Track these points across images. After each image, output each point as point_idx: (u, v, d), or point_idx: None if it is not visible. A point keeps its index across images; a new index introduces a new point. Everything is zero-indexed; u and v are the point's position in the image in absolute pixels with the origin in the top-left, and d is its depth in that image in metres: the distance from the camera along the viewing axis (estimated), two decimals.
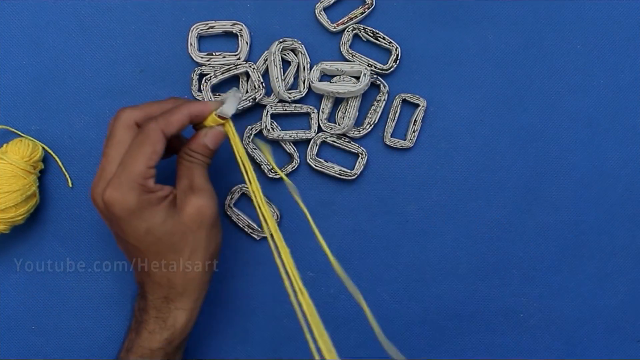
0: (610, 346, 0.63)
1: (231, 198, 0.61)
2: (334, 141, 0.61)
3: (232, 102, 0.52)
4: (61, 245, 0.62)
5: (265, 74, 0.61)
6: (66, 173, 0.62)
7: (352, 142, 0.61)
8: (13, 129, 0.61)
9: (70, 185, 0.62)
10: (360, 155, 0.61)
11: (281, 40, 0.60)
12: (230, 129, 0.53)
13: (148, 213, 0.49)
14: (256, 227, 0.62)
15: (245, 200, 0.63)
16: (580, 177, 0.63)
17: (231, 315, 0.63)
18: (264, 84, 0.60)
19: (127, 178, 0.48)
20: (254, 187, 0.53)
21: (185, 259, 0.51)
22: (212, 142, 0.52)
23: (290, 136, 0.61)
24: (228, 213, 0.62)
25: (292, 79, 0.61)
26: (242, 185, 0.62)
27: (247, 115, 0.62)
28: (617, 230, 0.63)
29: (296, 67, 0.61)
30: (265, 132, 0.61)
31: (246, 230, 0.62)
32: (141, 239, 0.50)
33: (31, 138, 0.61)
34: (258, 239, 0.62)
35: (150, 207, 0.49)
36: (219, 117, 0.52)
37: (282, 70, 0.60)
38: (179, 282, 0.51)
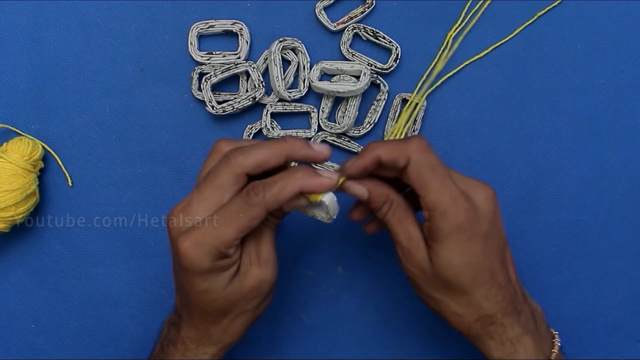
0: (610, 346, 0.63)
1: None
2: (333, 140, 0.61)
3: (333, 197, 0.49)
4: (61, 244, 0.62)
5: (265, 73, 0.61)
6: (66, 172, 0.62)
7: (352, 142, 0.61)
8: (13, 128, 0.61)
9: (70, 184, 0.62)
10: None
11: (281, 39, 0.60)
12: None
13: (214, 277, 0.47)
14: None
15: None
16: (580, 177, 0.63)
17: None
18: (263, 83, 0.60)
19: (212, 242, 0.45)
20: None
21: (230, 320, 0.49)
22: (291, 208, 0.49)
23: (290, 135, 0.61)
24: None
25: (292, 78, 0.61)
26: None
27: (247, 114, 0.62)
28: (617, 230, 0.63)
29: (296, 66, 0.61)
30: (265, 132, 0.61)
31: None
32: (197, 294, 0.48)
33: (31, 137, 0.61)
34: None
35: (218, 272, 0.47)
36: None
37: (282, 69, 0.60)
38: (216, 335, 0.50)
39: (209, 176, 0.47)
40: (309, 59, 0.61)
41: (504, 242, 0.51)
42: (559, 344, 0.51)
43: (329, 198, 0.48)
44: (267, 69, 0.61)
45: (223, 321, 0.49)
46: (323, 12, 0.61)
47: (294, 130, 0.61)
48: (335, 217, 0.50)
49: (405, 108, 0.60)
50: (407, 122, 0.61)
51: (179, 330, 0.51)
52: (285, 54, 0.61)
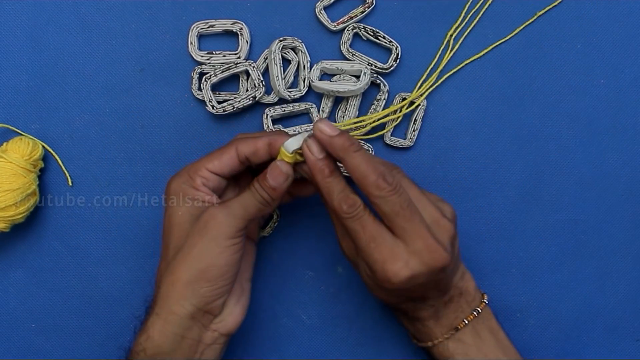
0: (609, 345, 0.63)
1: None
2: None
3: (297, 139, 0.51)
4: (61, 244, 0.62)
5: (265, 73, 0.61)
6: (66, 172, 0.62)
7: None
8: (13, 128, 0.61)
9: (70, 184, 0.62)
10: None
11: (281, 38, 0.60)
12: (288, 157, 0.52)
13: (178, 199, 0.52)
14: None
15: None
16: (580, 177, 0.63)
17: None
18: (263, 83, 0.60)
19: (185, 168, 0.53)
20: None
21: (177, 262, 0.51)
22: (274, 178, 0.51)
23: (295, 131, 0.61)
24: None
25: (292, 78, 0.61)
26: None
27: (247, 114, 0.62)
28: (617, 230, 0.63)
29: (296, 66, 0.61)
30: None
31: None
32: (164, 221, 0.53)
33: (31, 136, 0.61)
34: None
35: (182, 196, 0.52)
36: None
37: (282, 68, 0.60)
38: (164, 283, 0.51)
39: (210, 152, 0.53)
40: (309, 59, 0.61)
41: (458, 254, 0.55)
42: (465, 322, 0.54)
43: (292, 145, 0.51)
44: (267, 68, 0.61)
45: (173, 262, 0.51)
46: (323, 12, 0.61)
47: (290, 129, 0.61)
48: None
49: (398, 106, 0.60)
50: (393, 118, 0.61)
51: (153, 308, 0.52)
52: (285, 53, 0.61)
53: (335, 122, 0.61)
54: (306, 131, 0.53)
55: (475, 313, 0.54)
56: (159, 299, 0.51)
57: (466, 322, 0.54)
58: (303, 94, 0.61)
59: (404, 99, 0.62)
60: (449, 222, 0.52)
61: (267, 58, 0.61)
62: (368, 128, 0.61)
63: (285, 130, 0.60)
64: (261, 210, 0.52)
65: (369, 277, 0.52)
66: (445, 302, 0.54)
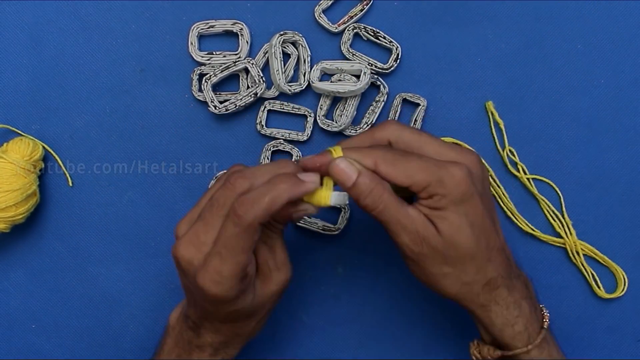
0: (610, 346, 0.63)
1: None
2: None
3: (342, 196, 0.48)
4: (61, 244, 0.62)
5: (265, 68, 0.61)
6: (66, 172, 0.62)
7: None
8: (13, 128, 0.61)
9: (71, 185, 0.62)
10: (342, 209, 0.61)
11: (282, 32, 0.60)
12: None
13: (242, 299, 0.48)
14: None
15: None
16: (580, 177, 0.63)
17: None
18: (264, 79, 0.60)
19: (228, 274, 0.45)
20: None
21: (257, 321, 0.52)
22: (299, 217, 0.50)
23: (282, 135, 0.61)
24: None
25: (292, 72, 0.61)
26: None
27: (247, 113, 0.62)
28: (617, 230, 0.63)
29: (296, 60, 0.61)
30: (259, 127, 0.61)
31: None
32: (227, 315, 0.49)
33: (31, 137, 0.61)
34: None
35: (245, 294, 0.48)
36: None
37: (282, 62, 0.60)
38: (244, 335, 0.52)
39: (213, 205, 0.46)
40: (309, 52, 0.61)
41: (493, 205, 0.52)
42: (548, 314, 0.53)
43: (335, 199, 0.48)
44: (266, 63, 0.61)
45: (251, 323, 0.51)
46: (322, 15, 0.61)
47: (286, 131, 0.61)
48: (347, 202, 0.50)
49: None
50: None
51: (199, 335, 0.51)
52: (285, 47, 0.61)
53: (334, 120, 0.61)
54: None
55: (546, 313, 0.53)
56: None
57: (546, 322, 0.53)
58: (303, 88, 0.61)
59: (404, 99, 0.62)
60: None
61: (266, 53, 0.61)
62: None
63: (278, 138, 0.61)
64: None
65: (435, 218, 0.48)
66: (525, 283, 0.52)
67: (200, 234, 0.46)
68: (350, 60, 0.61)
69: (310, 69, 0.60)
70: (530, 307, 0.52)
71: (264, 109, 0.61)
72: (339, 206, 0.49)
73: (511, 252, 0.53)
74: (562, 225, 0.63)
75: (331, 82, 0.60)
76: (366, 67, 0.59)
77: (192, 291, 0.49)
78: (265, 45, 0.61)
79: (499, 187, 0.63)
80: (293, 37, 0.60)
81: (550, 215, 0.62)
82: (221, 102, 0.60)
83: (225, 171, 0.51)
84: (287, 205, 0.46)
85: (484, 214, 0.48)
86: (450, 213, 0.47)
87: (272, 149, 0.61)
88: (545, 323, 0.52)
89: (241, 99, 0.60)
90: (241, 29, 0.61)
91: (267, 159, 0.61)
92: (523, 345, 0.51)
